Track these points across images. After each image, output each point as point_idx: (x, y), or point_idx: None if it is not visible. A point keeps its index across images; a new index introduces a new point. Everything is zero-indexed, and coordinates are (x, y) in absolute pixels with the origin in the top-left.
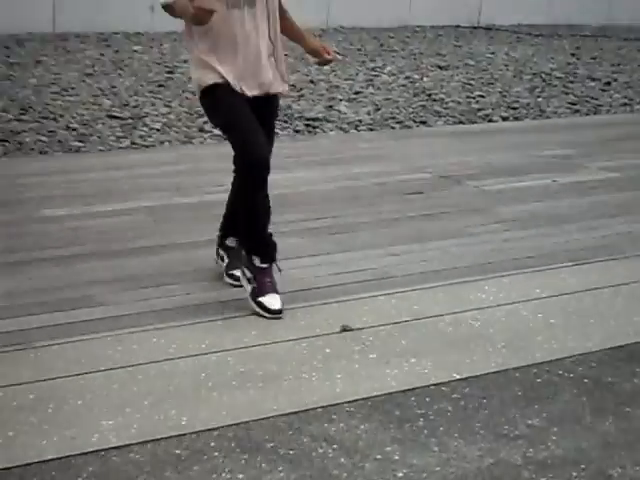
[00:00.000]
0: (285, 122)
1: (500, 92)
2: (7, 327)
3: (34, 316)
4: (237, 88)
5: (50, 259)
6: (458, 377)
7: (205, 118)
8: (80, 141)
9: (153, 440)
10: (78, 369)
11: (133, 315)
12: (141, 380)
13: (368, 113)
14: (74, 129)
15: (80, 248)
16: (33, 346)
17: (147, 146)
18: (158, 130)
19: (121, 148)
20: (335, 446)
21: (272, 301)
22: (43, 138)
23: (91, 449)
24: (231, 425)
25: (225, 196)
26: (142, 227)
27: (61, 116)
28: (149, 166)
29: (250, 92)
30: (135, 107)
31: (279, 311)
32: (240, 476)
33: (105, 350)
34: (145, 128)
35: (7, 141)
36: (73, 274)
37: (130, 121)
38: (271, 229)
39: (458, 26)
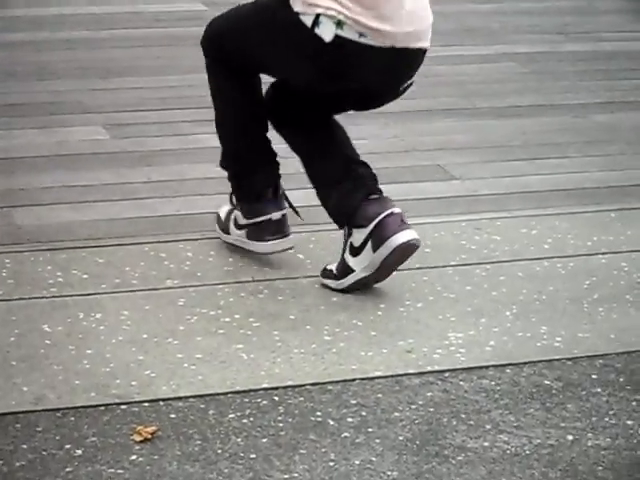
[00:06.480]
0: None
1: None
2: None
3: None
4: None
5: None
6: None
7: None
8: None
9: (513, 364)
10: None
11: (495, 197)
12: (504, 282)
13: None
14: None
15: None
16: None
17: None
18: None
19: None
20: None
21: None
22: None
23: (430, 368)
24: (621, 354)
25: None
26: (511, 79)
27: None
28: None
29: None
30: None
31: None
32: (630, 422)
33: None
34: None
35: None
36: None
37: None
38: None
39: None
